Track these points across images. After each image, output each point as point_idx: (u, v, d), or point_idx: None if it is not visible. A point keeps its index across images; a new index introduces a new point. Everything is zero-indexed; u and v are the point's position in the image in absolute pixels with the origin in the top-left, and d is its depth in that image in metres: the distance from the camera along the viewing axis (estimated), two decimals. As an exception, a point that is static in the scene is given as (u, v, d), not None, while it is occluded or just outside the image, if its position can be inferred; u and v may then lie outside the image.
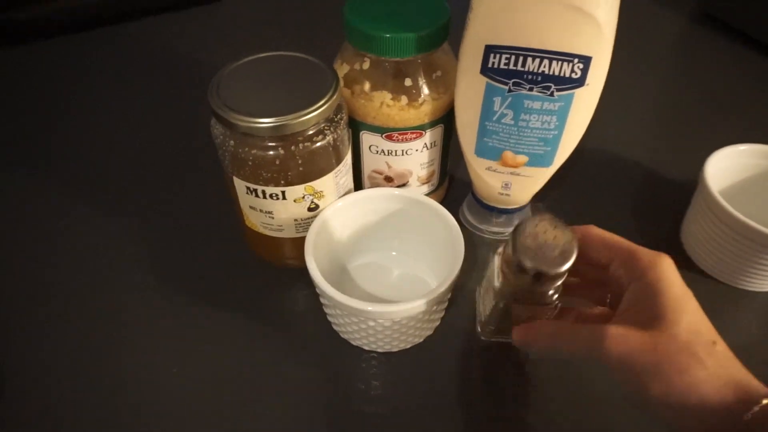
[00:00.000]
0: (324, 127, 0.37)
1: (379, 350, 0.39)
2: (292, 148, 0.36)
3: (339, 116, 0.38)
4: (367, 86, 0.41)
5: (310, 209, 0.40)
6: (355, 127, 0.42)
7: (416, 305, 0.34)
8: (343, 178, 0.41)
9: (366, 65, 0.40)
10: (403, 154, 0.43)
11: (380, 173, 0.45)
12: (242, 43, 0.71)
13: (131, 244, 0.48)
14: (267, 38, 0.72)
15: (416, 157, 0.44)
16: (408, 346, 0.39)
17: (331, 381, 0.39)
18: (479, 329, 0.39)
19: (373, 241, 0.44)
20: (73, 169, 0.55)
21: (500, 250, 0.34)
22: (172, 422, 0.37)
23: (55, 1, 0.69)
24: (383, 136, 0.42)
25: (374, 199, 0.42)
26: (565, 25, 0.33)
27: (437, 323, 0.40)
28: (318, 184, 0.39)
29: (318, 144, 0.37)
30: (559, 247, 0.30)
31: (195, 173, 0.54)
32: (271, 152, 0.36)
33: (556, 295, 0.33)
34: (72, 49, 0.71)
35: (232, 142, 0.37)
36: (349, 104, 0.41)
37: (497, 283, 0.33)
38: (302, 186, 0.38)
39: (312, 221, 0.40)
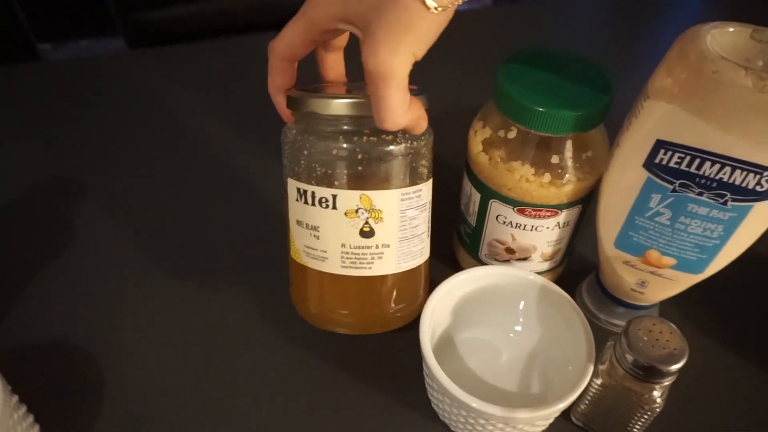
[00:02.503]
0: (399, 133, 0.33)
1: (480, 444, 0.36)
2: (355, 138, 0.33)
3: (423, 136, 0.35)
4: (508, 156, 0.38)
5: (362, 233, 0.34)
6: (486, 193, 0.39)
7: (544, 412, 0.32)
8: (413, 211, 0.35)
9: (512, 134, 0.37)
10: (532, 230, 0.40)
11: (502, 243, 0.42)
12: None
13: (223, 263, 0.47)
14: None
15: (545, 235, 0.40)
16: (512, 445, 0.36)
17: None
18: (572, 412, 0.38)
19: (491, 316, 0.41)
20: (177, 181, 0.55)
21: (612, 342, 0.34)
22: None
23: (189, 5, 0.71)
24: (515, 209, 0.39)
25: (504, 276, 0.39)
26: (763, 134, 0.29)
27: (545, 427, 0.37)
28: (377, 196, 0.34)
29: (386, 148, 0.33)
30: (670, 349, 0.31)
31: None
32: (331, 142, 0.33)
33: (658, 399, 0.33)
34: (195, 54, 0.72)
35: (294, 131, 0.34)
36: (483, 170, 0.39)
37: (602, 370, 0.34)
38: (357, 193, 0.33)
39: (361, 253, 0.35)
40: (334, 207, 0.34)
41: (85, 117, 0.62)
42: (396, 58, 0.28)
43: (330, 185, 0.34)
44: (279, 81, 0.34)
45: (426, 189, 0.36)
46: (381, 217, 0.34)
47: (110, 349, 0.42)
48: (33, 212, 0.52)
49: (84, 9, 1.36)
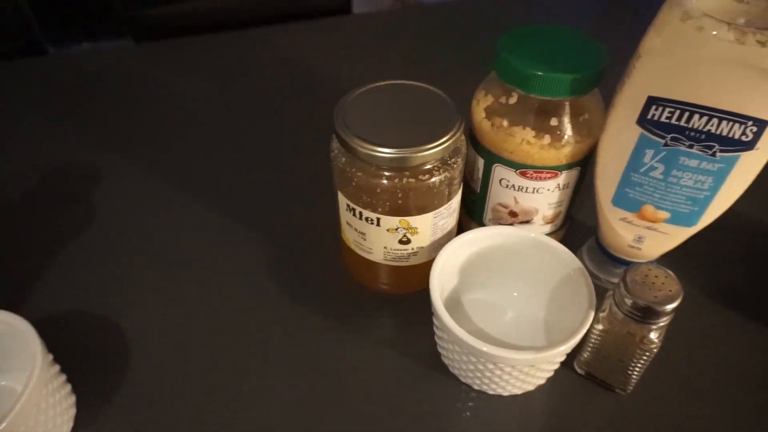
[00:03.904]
0: (434, 167, 0.37)
1: (489, 392, 0.38)
2: (396, 180, 0.36)
3: (454, 159, 0.38)
4: (509, 121, 0.40)
5: (401, 242, 0.40)
6: (489, 158, 0.42)
7: (548, 353, 0.34)
8: (444, 220, 0.40)
9: (513, 100, 0.39)
10: (533, 192, 0.42)
11: (505, 207, 0.44)
12: (369, 60, 0.72)
13: (236, 241, 0.50)
14: (393, 60, 0.72)
15: (546, 197, 0.42)
16: (519, 392, 0.38)
17: (436, 418, 0.38)
18: (576, 361, 0.40)
19: (496, 277, 0.43)
20: (187, 167, 0.58)
21: (611, 291, 0.36)
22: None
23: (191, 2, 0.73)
24: (517, 171, 0.41)
25: (509, 237, 0.41)
26: (746, 85, 0.31)
27: (551, 374, 0.39)
28: (414, 220, 0.39)
29: (424, 182, 0.37)
30: (665, 291, 0.33)
31: (311, 183, 0.55)
32: (374, 179, 0.36)
33: (656, 340, 0.35)
34: (199, 48, 0.75)
35: (343, 159, 0.37)
36: (486, 137, 0.41)
37: (602, 317, 0.36)
38: (397, 218, 0.38)
39: (400, 253, 0.40)
40: (378, 225, 0.39)
41: (95, 109, 0.64)
42: None
43: (374, 210, 0.38)
44: None
45: (456, 198, 0.40)
46: (417, 232, 0.40)
47: (135, 318, 0.44)
48: (55, 197, 0.54)
49: (87, 10, 1.39)
